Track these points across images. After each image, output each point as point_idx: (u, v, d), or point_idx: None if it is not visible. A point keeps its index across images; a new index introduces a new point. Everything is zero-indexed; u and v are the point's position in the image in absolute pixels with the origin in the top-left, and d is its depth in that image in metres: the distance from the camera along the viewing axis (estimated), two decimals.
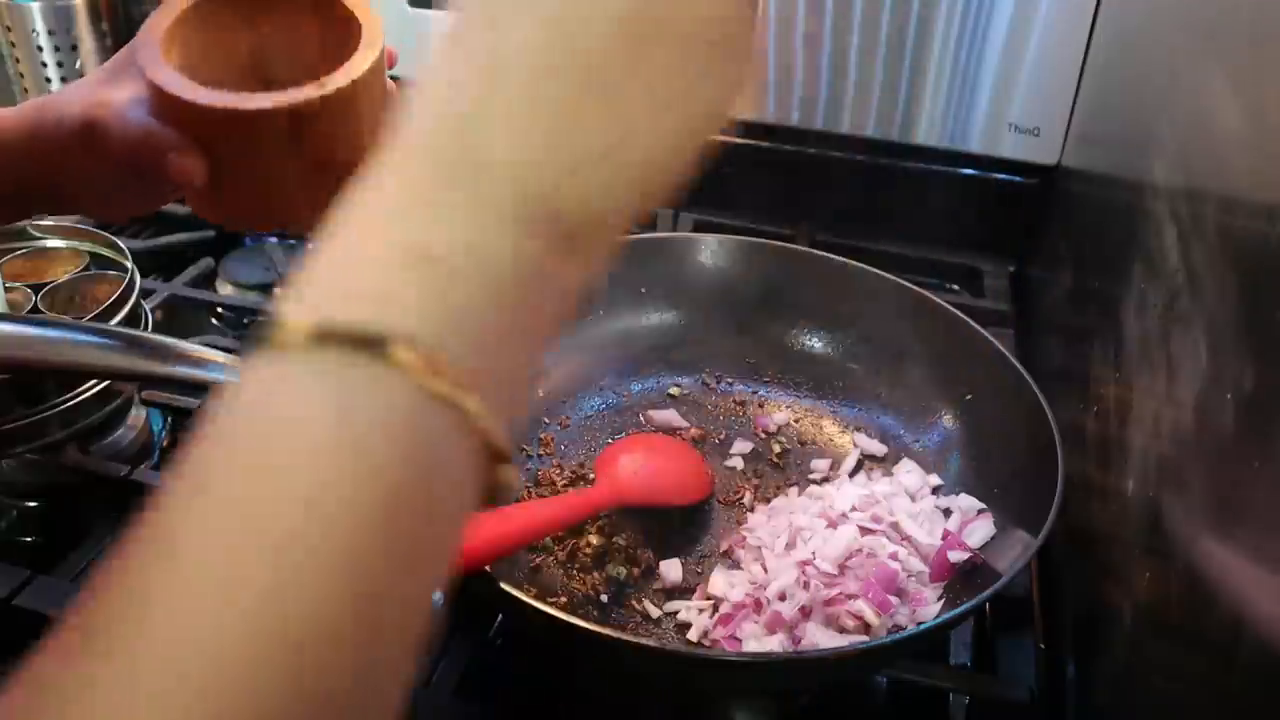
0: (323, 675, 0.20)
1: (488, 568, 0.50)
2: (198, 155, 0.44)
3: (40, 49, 1.15)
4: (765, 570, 0.59)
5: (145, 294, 0.77)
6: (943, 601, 0.56)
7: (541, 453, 0.69)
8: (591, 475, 0.66)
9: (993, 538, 0.58)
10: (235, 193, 0.47)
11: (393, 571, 0.22)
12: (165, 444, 0.74)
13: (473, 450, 0.24)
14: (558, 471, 0.67)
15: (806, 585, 0.57)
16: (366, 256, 0.25)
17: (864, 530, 0.60)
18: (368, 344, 0.22)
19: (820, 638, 0.54)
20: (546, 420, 0.71)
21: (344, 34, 0.50)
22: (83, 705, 0.19)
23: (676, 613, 0.58)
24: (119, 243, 0.73)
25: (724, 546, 0.63)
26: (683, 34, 0.28)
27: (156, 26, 0.45)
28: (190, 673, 0.19)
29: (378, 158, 0.27)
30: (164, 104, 0.44)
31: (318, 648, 0.20)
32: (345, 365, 0.22)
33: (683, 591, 0.60)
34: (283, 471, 0.21)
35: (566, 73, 0.27)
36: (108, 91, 0.45)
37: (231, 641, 0.19)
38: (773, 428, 0.72)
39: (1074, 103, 0.86)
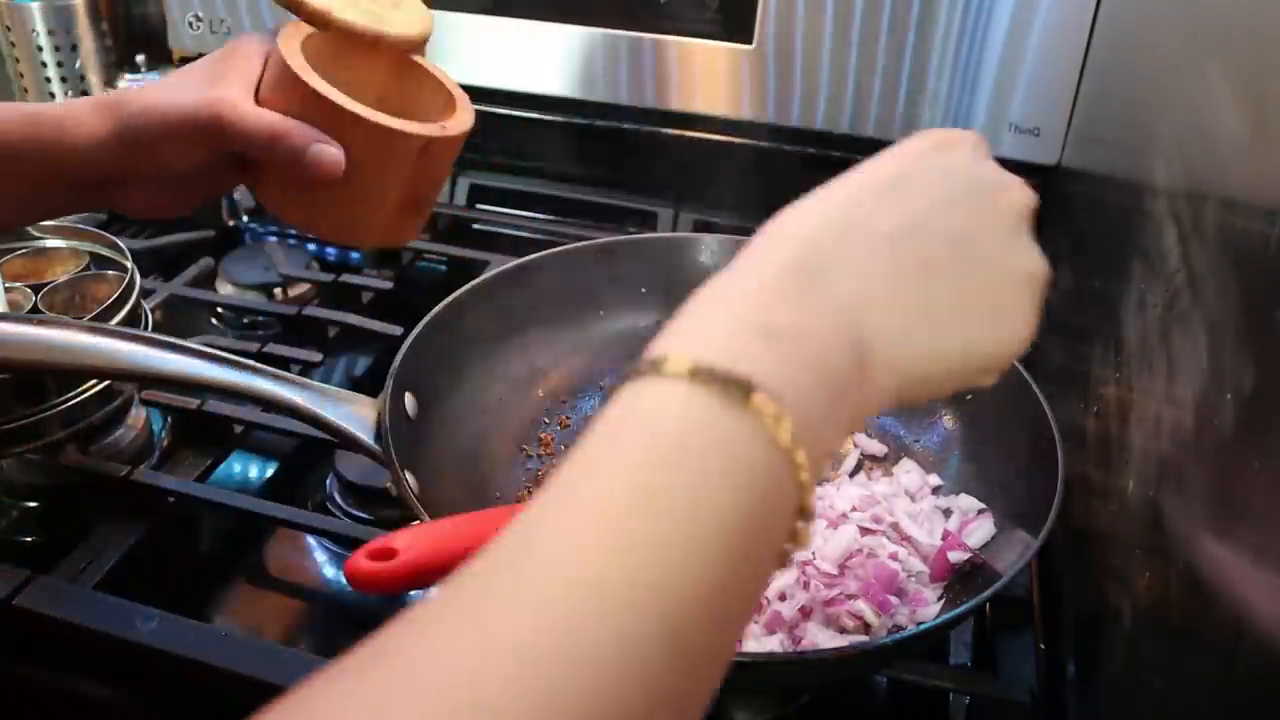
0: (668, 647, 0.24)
1: None
2: (340, 150, 0.51)
3: (40, 49, 1.15)
4: None
5: (145, 294, 0.77)
6: (943, 601, 0.56)
7: (541, 453, 0.69)
8: None
9: (993, 538, 0.58)
10: (340, 201, 0.53)
11: (731, 590, 0.26)
12: (165, 444, 0.74)
13: (792, 502, 0.28)
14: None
15: (806, 585, 0.57)
16: (730, 320, 0.30)
17: (864, 530, 0.60)
18: (738, 386, 0.27)
19: (820, 638, 0.54)
20: (546, 420, 0.71)
21: (414, 90, 0.58)
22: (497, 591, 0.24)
23: None
24: (119, 243, 0.73)
25: None
26: (997, 274, 0.36)
27: (290, 42, 0.51)
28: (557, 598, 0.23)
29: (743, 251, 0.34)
30: (317, 107, 0.50)
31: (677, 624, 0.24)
32: (720, 398, 0.27)
33: None
34: (666, 479, 0.26)
35: (895, 247, 0.34)
36: (223, 90, 0.51)
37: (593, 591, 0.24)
38: None
39: (1074, 103, 0.86)
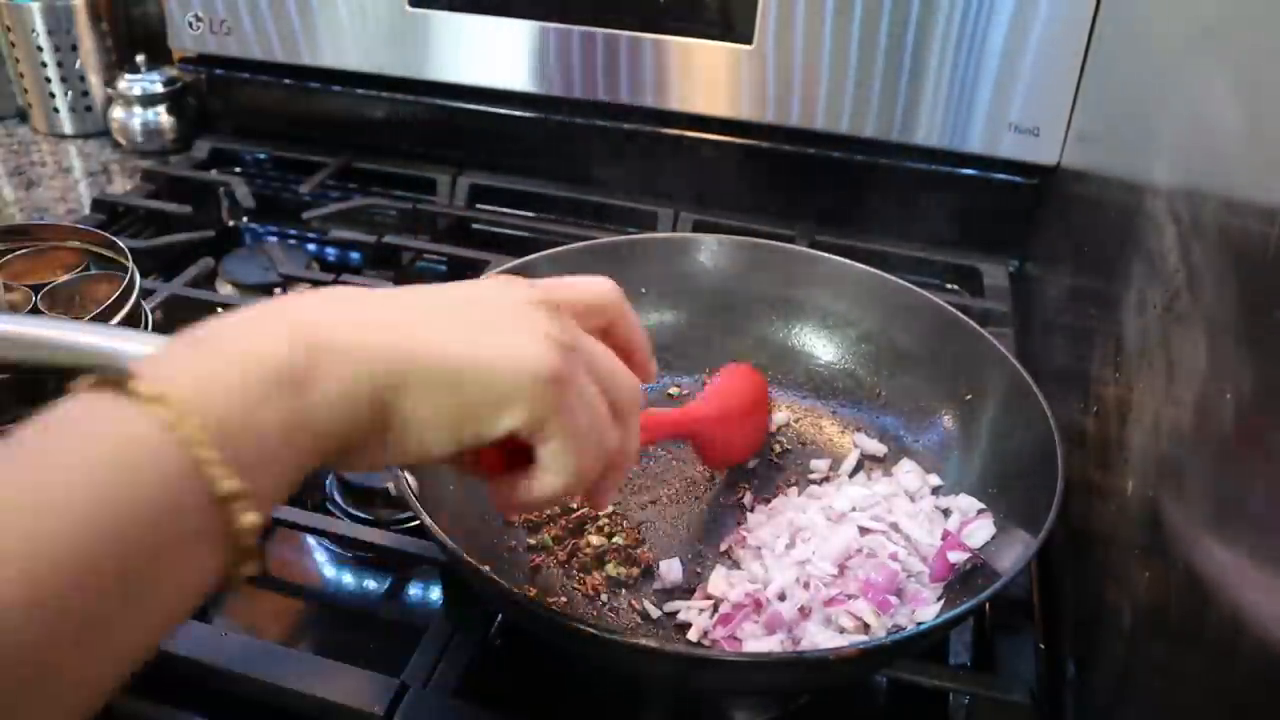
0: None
1: (487, 568, 0.50)
2: None
3: (40, 49, 1.15)
4: (765, 570, 0.59)
5: (145, 294, 0.77)
6: (943, 601, 0.56)
7: None
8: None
9: (993, 538, 0.58)
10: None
11: (109, 564, 0.28)
12: None
13: (201, 496, 0.30)
14: None
15: (806, 585, 0.57)
16: (181, 341, 0.33)
17: (864, 530, 0.60)
18: (128, 377, 0.30)
19: (820, 638, 0.54)
20: None
21: None
22: None
23: (676, 613, 0.58)
24: (119, 243, 0.73)
25: (724, 546, 0.63)
26: (491, 311, 0.40)
27: None
28: None
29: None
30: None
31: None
32: (114, 388, 0.30)
33: (683, 592, 0.60)
34: (43, 446, 0.29)
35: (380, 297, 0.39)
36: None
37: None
38: (772, 428, 0.72)
39: (1074, 103, 0.86)
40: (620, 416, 0.42)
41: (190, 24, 1.08)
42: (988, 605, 0.61)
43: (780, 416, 0.73)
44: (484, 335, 0.37)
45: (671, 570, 0.60)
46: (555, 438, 0.38)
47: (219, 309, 0.90)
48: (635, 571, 0.61)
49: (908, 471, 0.66)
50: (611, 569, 0.60)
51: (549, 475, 0.39)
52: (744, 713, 0.58)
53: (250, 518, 0.31)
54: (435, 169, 1.08)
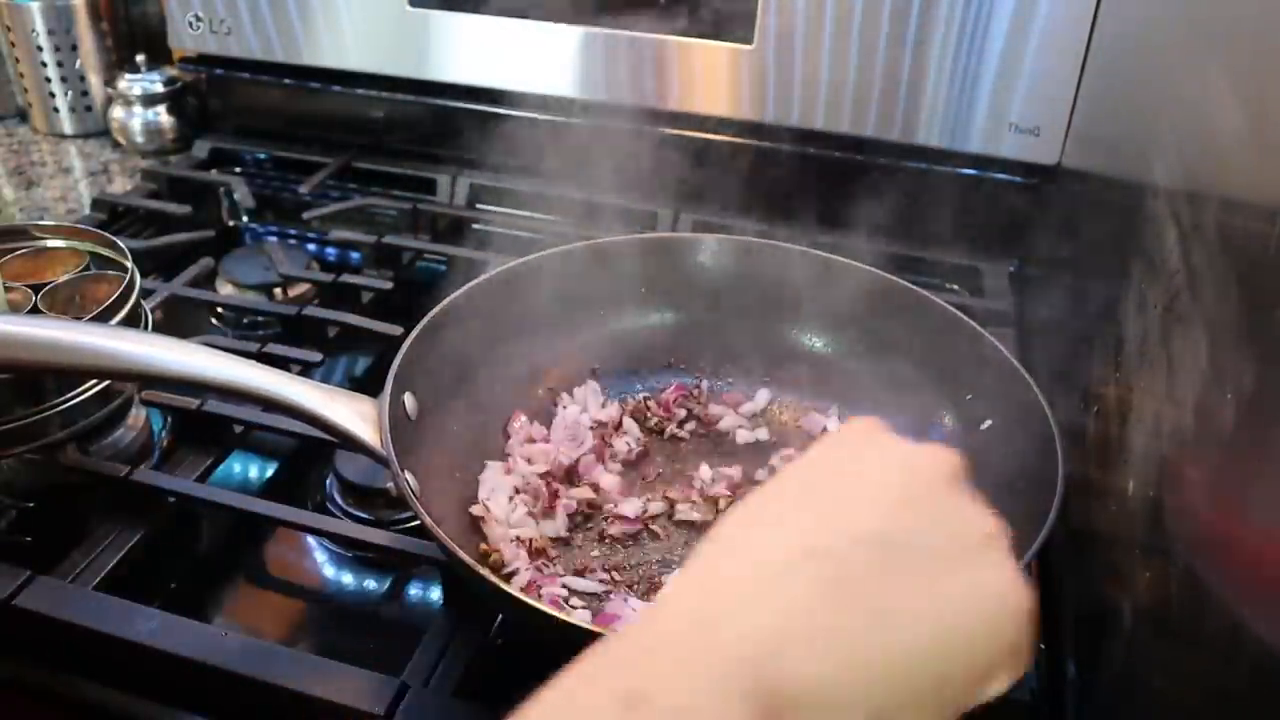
0: None
1: (487, 569, 0.50)
2: None
3: (40, 49, 1.15)
4: None
5: (145, 294, 0.77)
6: None
7: None
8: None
9: None
10: None
11: None
12: (165, 444, 0.74)
13: None
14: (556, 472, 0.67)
15: None
16: (593, 690, 0.27)
17: None
18: None
19: None
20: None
21: None
22: None
23: None
24: (119, 243, 0.72)
25: None
26: (931, 552, 0.30)
27: None
28: None
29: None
30: None
31: None
32: None
33: None
34: None
35: (806, 569, 0.29)
36: None
37: None
38: (772, 429, 0.72)
39: (1074, 103, 0.86)
40: None
41: (190, 24, 1.08)
42: None
43: (780, 417, 0.73)
44: (955, 590, 0.30)
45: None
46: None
47: (219, 309, 0.91)
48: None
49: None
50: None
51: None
52: None
53: None
54: (435, 169, 1.08)
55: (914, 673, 0.28)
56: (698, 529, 0.64)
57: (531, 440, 0.68)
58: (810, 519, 0.31)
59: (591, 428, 0.70)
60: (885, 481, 0.33)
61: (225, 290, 0.93)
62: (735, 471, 0.68)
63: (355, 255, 1.00)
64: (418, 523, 0.51)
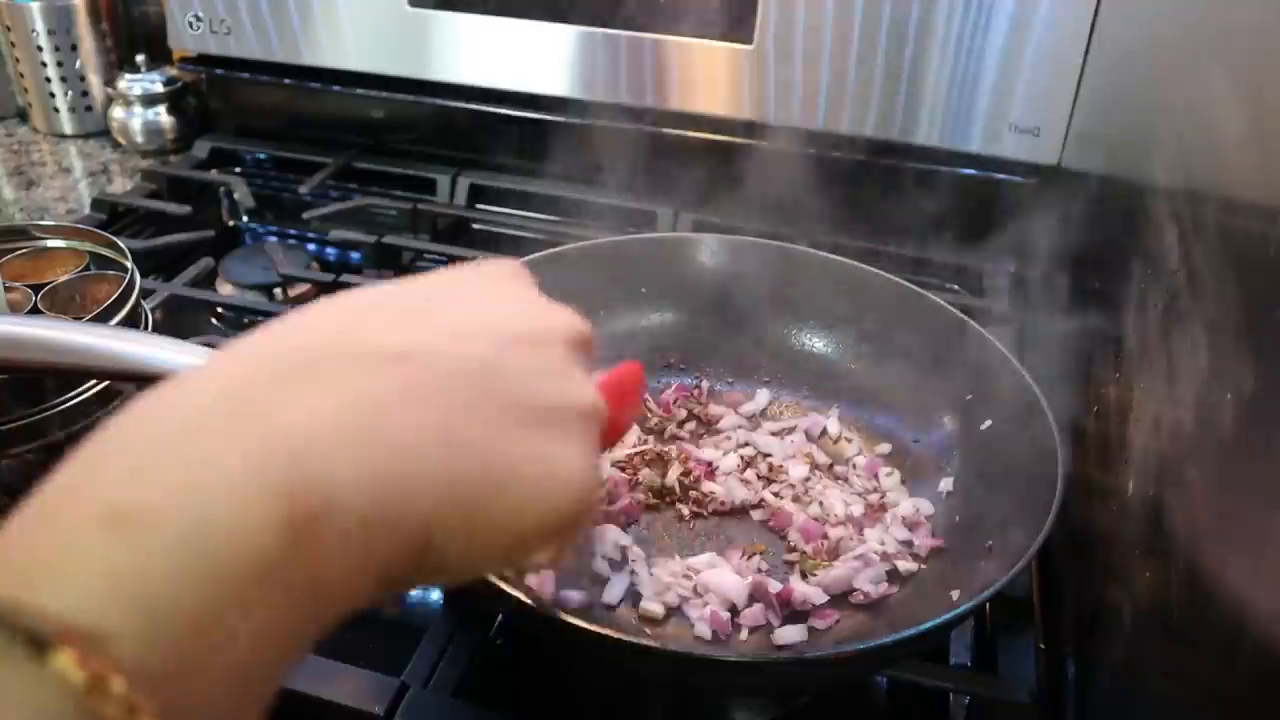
0: None
1: None
2: None
3: (40, 49, 1.15)
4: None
5: (145, 294, 0.77)
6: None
7: None
8: None
9: (993, 538, 0.58)
10: None
11: None
12: None
13: None
14: None
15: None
16: (73, 513, 0.22)
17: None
18: (30, 638, 0.19)
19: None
20: None
21: None
22: None
23: (677, 608, 0.58)
24: (119, 243, 0.72)
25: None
26: (527, 401, 0.29)
27: None
28: None
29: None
30: None
31: None
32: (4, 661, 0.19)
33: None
34: None
35: (391, 368, 0.27)
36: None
37: None
38: (771, 430, 0.72)
39: (1074, 103, 0.86)
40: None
41: (190, 24, 1.08)
42: (988, 605, 0.61)
43: (781, 418, 0.73)
44: (533, 436, 0.29)
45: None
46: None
47: (219, 309, 0.91)
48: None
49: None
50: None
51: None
52: (744, 713, 0.58)
53: None
54: (435, 169, 1.08)
55: (468, 509, 0.26)
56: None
57: None
58: (420, 322, 0.29)
59: None
60: (509, 318, 0.31)
61: (225, 290, 0.93)
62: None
63: (355, 255, 1.00)
64: None
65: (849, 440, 0.70)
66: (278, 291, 0.93)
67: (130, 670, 0.19)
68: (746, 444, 0.69)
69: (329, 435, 0.24)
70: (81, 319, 0.65)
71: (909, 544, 0.61)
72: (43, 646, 0.19)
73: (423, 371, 0.27)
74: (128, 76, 1.14)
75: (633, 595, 0.59)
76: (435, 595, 0.64)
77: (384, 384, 0.26)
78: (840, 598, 0.58)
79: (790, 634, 0.56)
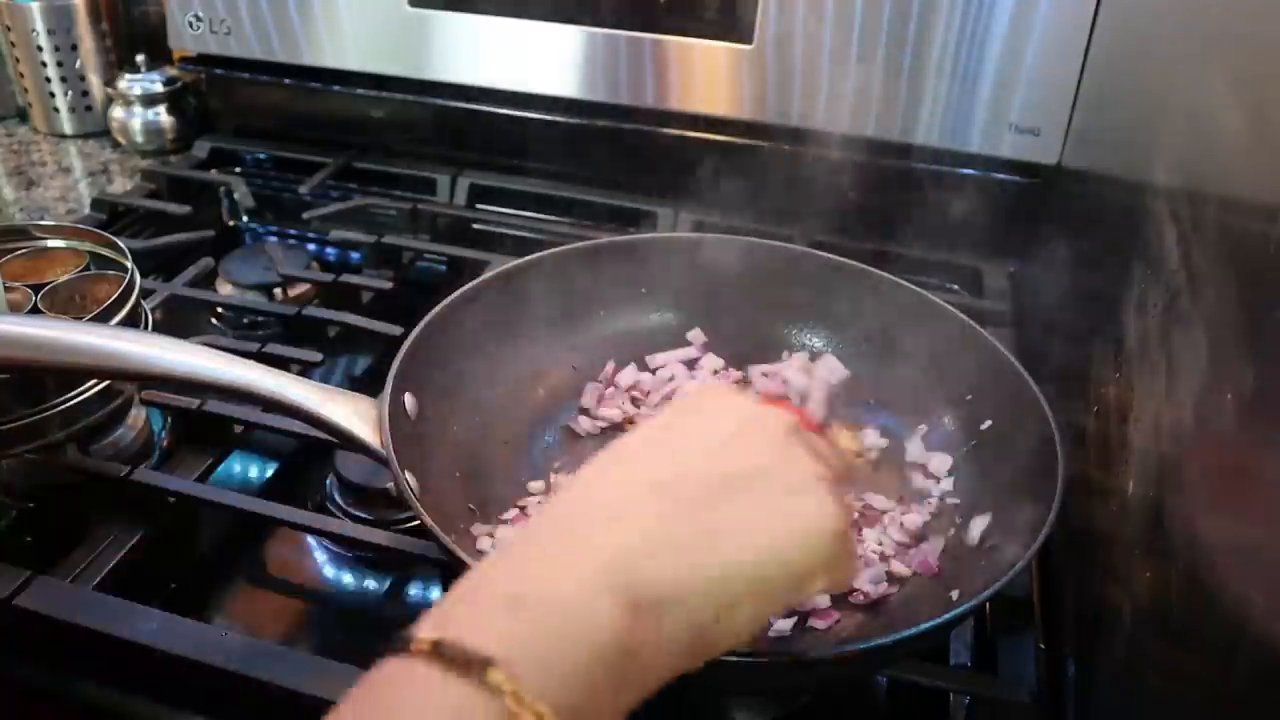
0: None
1: None
2: None
3: (40, 49, 1.15)
4: None
5: (145, 294, 0.77)
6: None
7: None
8: None
9: (993, 537, 0.58)
10: None
11: None
12: (165, 444, 0.74)
13: None
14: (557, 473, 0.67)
15: None
16: (482, 596, 0.33)
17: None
18: (475, 663, 0.29)
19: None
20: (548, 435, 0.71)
21: None
22: None
23: None
24: (119, 243, 0.72)
25: None
26: (760, 485, 0.38)
27: None
28: None
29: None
30: None
31: None
32: (457, 675, 0.29)
33: None
34: None
35: (656, 496, 0.37)
36: None
37: None
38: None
39: (1074, 103, 0.86)
40: None
41: (190, 24, 1.08)
42: (988, 605, 0.61)
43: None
44: (777, 513, 0.37)
45: None
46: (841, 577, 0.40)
47: (219, 309, 0.91)
48: None
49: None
50: None
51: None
52: (744, 713, 0.58)
53: None
54: (435, 169, 1.08)
55: (745, 576, 0.36)
56: None
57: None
58: (662, 456, 0.39)
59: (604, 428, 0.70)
60: (725, 428, 0.40)
61: (225, 290, 0.93)
62: None
63: (355, 255, 1.00)
64: (418, 523, 0.51)
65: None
66: (278, 291, 0.93)
67: (536, 694, 0.29)
68: None
69: (640, 549, 0.35)
70: (81, 319, 0.65)
71: (906, 546, 0.61)
72: (484, 667, 0.29)
73: (681, 493, 0.37)
74: (128, 76, 1.14)
75: None
76: (435, 595, 0.64)
77: (659, 508, 0.36)
78: (840, 598, 0.58)
79: (781, 624, 0.56)
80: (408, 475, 0.53)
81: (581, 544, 0.34)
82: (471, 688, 0.29)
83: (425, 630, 0.31)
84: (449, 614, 0.32)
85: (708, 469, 0.38)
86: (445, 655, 0.30)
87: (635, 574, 0.33)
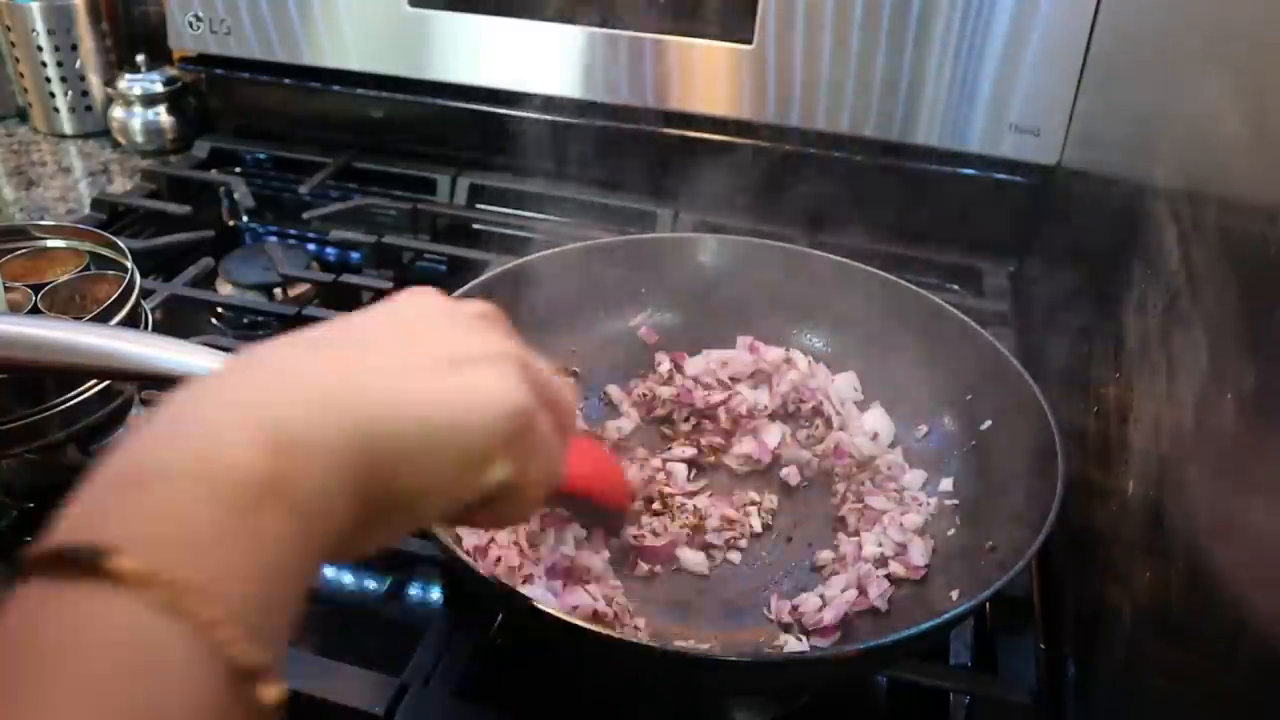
0: None
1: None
2: None
3: (40, 49, 1.15)
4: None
5: (145, 294, 0.77)
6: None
7: None
8: None
9: (993, 538, 0.58)
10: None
11: None
12: None
13: (211, 659, 0.25)
14: None
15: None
16: (107, 479, 0.27)
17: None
18: (86, 563, 0.24)
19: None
20: None
21: None
22: None
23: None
24: (119, 243, 0.72)
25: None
26: (446, 354, 0.35)
27: None
28: None
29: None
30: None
31: None
32: (70, 585, 0.24)
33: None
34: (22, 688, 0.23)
35: (320, 349, 0.35)
36: None
37: None
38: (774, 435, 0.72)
39: (1074, 103, 0.86)
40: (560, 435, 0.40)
41: (190, 24, 1.08)
42: (988, 605, 0.61)
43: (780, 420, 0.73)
44: (445, 374, 0.34)
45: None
46: (529, 476, 0.37)
47: (219, 309, 0.91)
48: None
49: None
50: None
51: (515, 510, 0.38)
52: (744, 713, 0.58)
53: (272, 691, 0.26)
54: (435, 169, 1.08)
55: (401, 432, 0.32)
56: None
57: None
58: (331, 328, 0.36)
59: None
60: (411, 310, 0.38)
61: (225, 290, 0.93)
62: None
63: (355, 255, 1.00)
64: None
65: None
66: (278, 291, 0.93)
67: (176, 576, 0.25)
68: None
69: (284, 393, 0.31)
70: (81, 319, 0.65)
71: (904, 547, 0.61)
72: (95, 567, 0.24)
73: (362, 347, 0.35)
74: (128, 76, 1.14)
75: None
76: (435, 595, 0.64)
77: (315, 360, 0.34)
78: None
79: (794, 645, 0.56)
80: None
81: (212, 393, 0.31)
82: (90, 593, 0.24)
83: (41, 543, 0.26)
84: (67, 514, 0.27)
85: (375, 332, 0.36)
86: (59, 562, 0.24)
87: (268, 410, 0.30)
